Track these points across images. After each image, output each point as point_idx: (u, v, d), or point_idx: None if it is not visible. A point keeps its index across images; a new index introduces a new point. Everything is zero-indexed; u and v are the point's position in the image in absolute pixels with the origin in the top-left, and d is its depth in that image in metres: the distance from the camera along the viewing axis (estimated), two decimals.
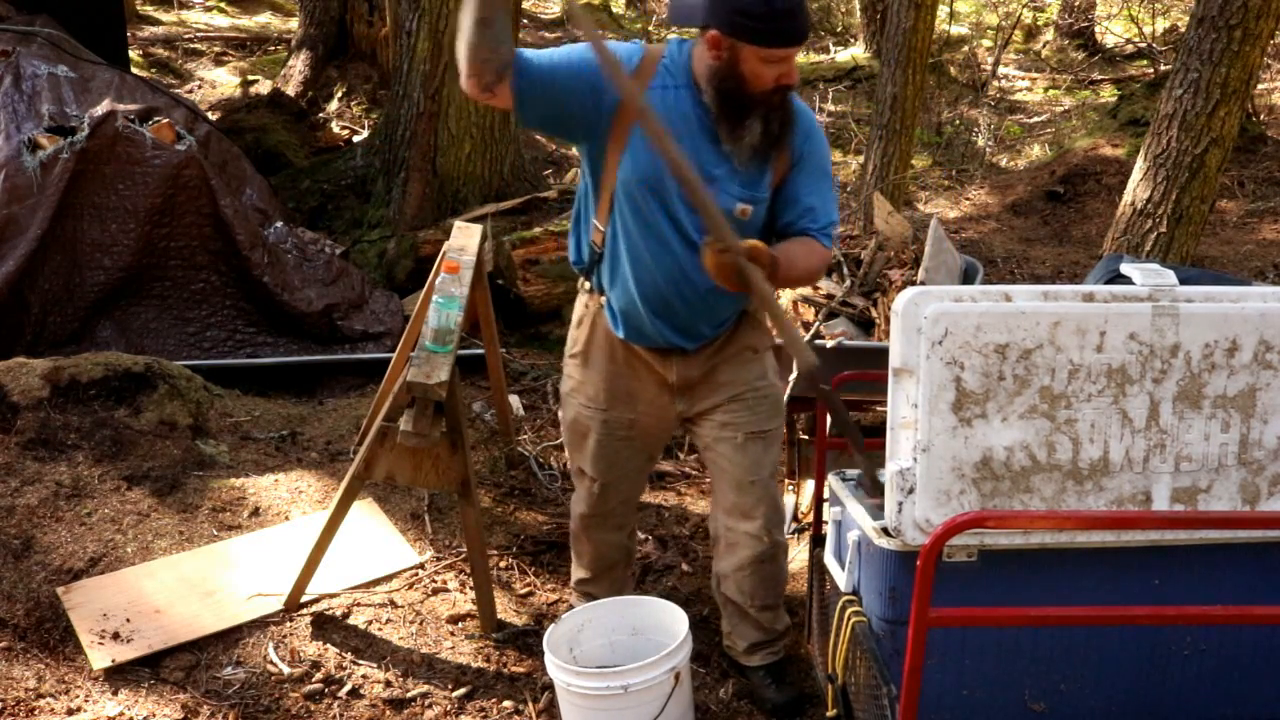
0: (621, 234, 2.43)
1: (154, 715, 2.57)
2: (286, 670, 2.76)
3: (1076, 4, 12.09)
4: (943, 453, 1.99)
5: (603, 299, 2.55)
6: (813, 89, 10.22)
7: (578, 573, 2.93)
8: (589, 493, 2.75)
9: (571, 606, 2.91)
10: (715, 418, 2.61)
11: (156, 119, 4.66)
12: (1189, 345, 2.02)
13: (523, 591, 3.21)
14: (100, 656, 2.70)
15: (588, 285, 2.59)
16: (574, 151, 7.98)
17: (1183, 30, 8.11)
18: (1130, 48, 11.57)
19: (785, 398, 3.61)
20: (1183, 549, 2.11)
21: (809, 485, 3.75)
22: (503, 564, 3.30)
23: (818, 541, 2.71)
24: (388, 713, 2.67)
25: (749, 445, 2.60)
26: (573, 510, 2.84)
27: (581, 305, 2.63)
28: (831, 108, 9.81)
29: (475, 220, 4.68)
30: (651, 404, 2.62)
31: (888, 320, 2.86)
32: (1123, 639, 2.16)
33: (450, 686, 2.77)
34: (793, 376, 3.59)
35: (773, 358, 2.68)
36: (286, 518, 3.35)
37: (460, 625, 3.00)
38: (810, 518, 3.06)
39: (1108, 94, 10.26)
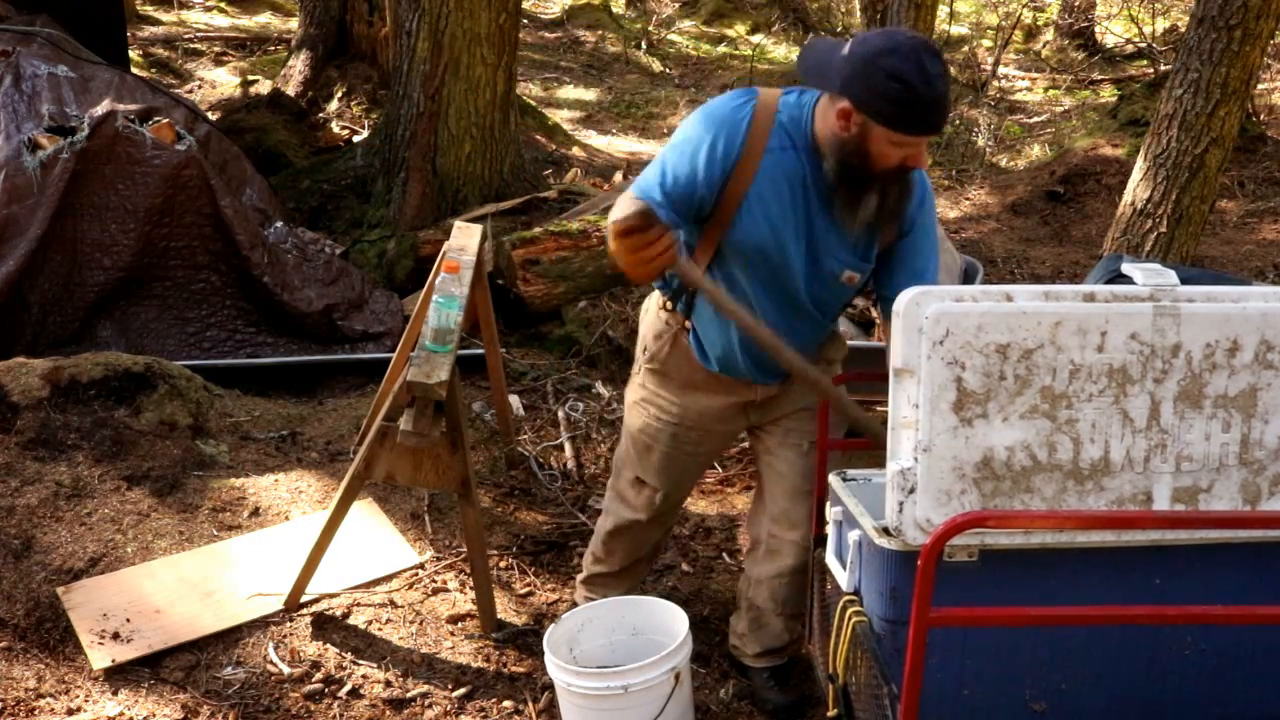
0: (726, 284, 2.40)
1: (154, 715, 2.57)
2: (286, 670, 2.76)
3: (1076, 4, 12.08)
4: (944, 453, 1.99)
5: (687, 322, 2.53)
6: None
7: (599, 567, 2.89)
8: (649, 502, 2.72)
9: (573, 605, 2.91)
10: (784, 424, 2.62)
11: (156, 119, 4.66)
12: (1190, 345, 2.02)
13: (523, 591, 3.21)
14: (100, 656, 2.70)
15: (669, 305, 2.56)
16: (574, 151, 7.99)
17: (1183, 30, 8.11)
18: (1130, 48, 11.57)
19: None
20: (1183, 549, 2.11)
21: None
22: (503, 564, 3.30)
23: (818, 541, 2.71)
24: (388, 713, 2.67)
25: (813, 453, 2.61)
26: (617, 515, 2.79)
27: (661, 321, 2.59)
28: None
29: (475, 220, 4.68)
30: (725, 422, 2.63)
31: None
32: (1123, 639, 2.16)
33: (450, 686, 2.77)
34: None
35: None
36: (286, 518, 3.34)
37: (460, 625, 3.00)
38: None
39: (1108, 94, 10.26)
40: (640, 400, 2.66)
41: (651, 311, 2.63)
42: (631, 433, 2.69)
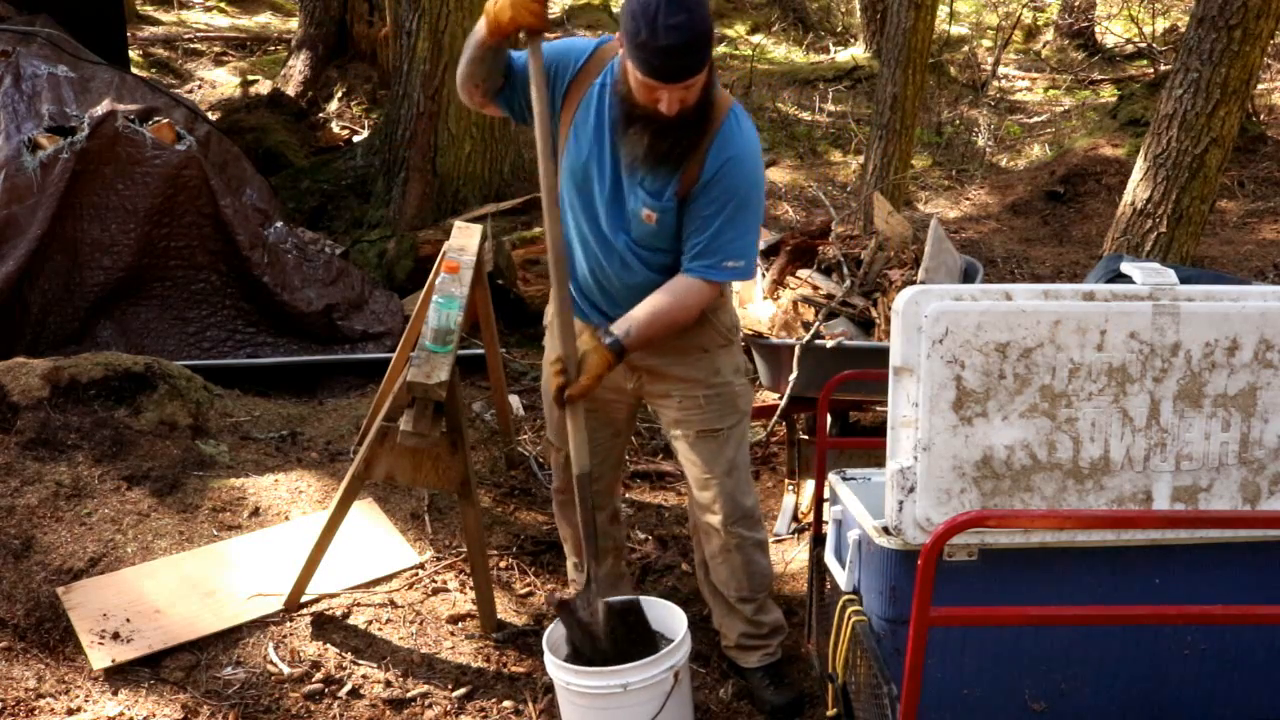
0: (564, 217, 2.54)
1: (154, 715, 2.57)
2: (286, 670, 2.76)
3: (1076, 4, 12.09)
4: (943, 451, 1.99)
5: None
6: (813, 89, 10.22)
7: (570, 558, 3.00)
8: (557, 465, 2.83)
9: None
10: (668, 414, 2.67)
11: (156, 119, 4.66)
12: (1189, 344, 2.02)
13: (523, 591, 3.21)
14: (100, 656, 2.70)
15: None
16: None
17: (1183, 30, 8.11)
18: (1130, 48, 11.57)
19: (784, 398, 3.61)
20: (1183, 548, 2.11)
21: (809, 485, 3.75)
22: (503, 564, 3.30)
23: (818, 541, 2.71)
24: (388, 713, 2.67)
25: (700, 444, 2.63)
26: (552, 488, 2.92)
27: None
28: (831, 108, 9.81)
29: (475, 220, 4.68)
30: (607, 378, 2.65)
31: (888, 320, 2.86)
32: (1123, 639, 2.16)
33: (450, 686, 2.77)
34: (792, 376, 3.59)
35: (732, 355, 2.67)
36: (286, 518, 3.34)
37: (460, 625, 3.00)
38: (810, 517, 3.06)
39: (1108, 94, 10.26)
40: (546, 362, 2.75)
41: None
42: (544, 393, 2.81)
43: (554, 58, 2.46)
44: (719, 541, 2.69)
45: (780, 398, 3.64)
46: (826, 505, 2.57)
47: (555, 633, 2.59)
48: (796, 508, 3.71)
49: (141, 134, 4.50)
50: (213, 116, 6.88)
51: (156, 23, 11.27)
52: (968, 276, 3.99)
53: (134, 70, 7.21)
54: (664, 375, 2.61)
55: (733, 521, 2.65)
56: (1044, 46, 12.43)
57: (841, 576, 2.34)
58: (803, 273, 4.16)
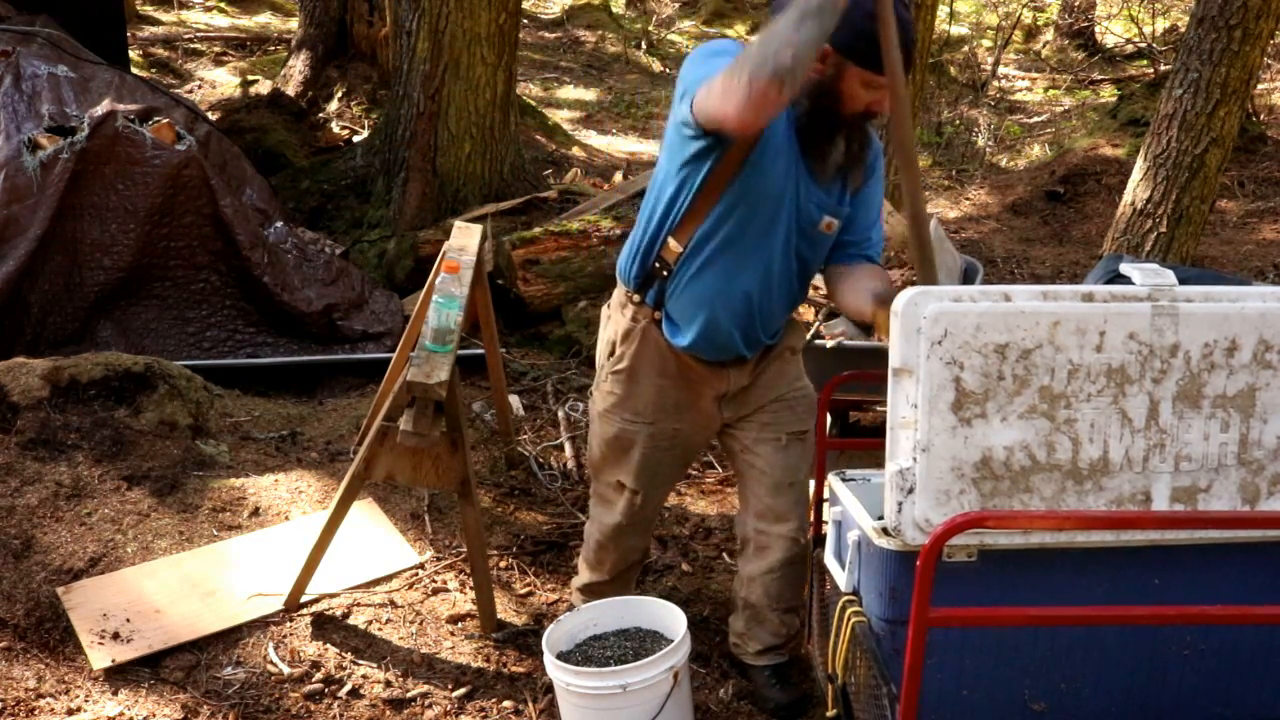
0: (718, 245, 2.40)
1: (154, 715, 2.57)
2: (286, 670, 2.76)
3: (1076, 4, 12.09)
4: (942, 452, 1.99)
5: (657, 313, 2.52)
6: None
7: (592, 576, 2.88)
8: (629, 505, 2.70)
9: (572, 606, 2.92)
10: (758, 419, 2.62)
11: (156, 119, 4.66)
12: (1188, 345, 2.02)
13: (523, 591, 3.21)
14: (100, 656, 2.70)
15: (637, 299, 2.55)
16: (574, 151, 7.98)
17: (1183, 30, 8.11)
18: (1130, 48, 11.57)
19: None
20: (1182, 549, 2.11)
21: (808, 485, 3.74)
22: (503, 564, 3.30)
23: (818, 541, 2.72)
24: (388, 713, 2.67)
25: (791, 446, 2.62)
26: (601, 521, 2.78)
27: (627, 319, 2.57)
28: None
29: (475, 220, 4.69)
30: (700, 414, 2.62)
31: None
32: (1123, 639, 2.16)
33: (450, 686, 2.77)
34: None
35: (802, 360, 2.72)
36: (286, 518, 3.35)
37: (460, 625, 3.01)
38: (810, 518, 3.06)
39: (1108, 94, 10.26)
40: (611, 407, 2.62)
41: (614, 316, 2.62)
42: (607, 439, 2.66)
43: None
44: (788, 553, 2.65)
45: None
46: (826, 505, 2.57)
47: (555, 632, 2.59)
48: None
49: (141, 134, 4.50)
50: (213, 116, 6.88)
51: (156, 23, 11.27)
52: (968, 277, 3.99)
53: (134, 70, 7.21)
54: (763, 385, 2.60)
55: (803, 528, 2.67)
56: (1044, 46, 12.44)
57: (841, 577, 2.34)
58: None
